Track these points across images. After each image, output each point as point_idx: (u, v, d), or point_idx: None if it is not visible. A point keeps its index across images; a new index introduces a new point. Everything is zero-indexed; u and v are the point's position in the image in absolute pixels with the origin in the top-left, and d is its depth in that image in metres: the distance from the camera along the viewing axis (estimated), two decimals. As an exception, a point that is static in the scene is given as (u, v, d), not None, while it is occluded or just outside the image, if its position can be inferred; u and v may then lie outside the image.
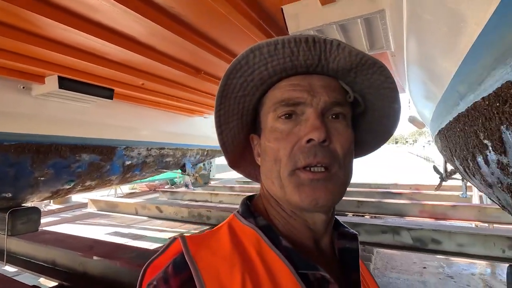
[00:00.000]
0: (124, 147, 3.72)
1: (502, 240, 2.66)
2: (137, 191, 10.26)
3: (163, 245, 0.42)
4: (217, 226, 0.44)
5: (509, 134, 0.80)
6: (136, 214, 5.01)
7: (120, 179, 4.13)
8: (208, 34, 1.82)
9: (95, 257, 2.15)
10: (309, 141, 0.37)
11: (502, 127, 0.84)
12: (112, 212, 5.24)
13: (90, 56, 1.99)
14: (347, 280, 0.41)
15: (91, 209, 5.36)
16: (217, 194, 6.97)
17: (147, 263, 0.41)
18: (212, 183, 9.22)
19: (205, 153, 5.91)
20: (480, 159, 1.19)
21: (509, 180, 0.96)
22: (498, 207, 4.03)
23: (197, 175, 5.68)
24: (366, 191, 6.03)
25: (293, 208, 0.41)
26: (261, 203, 0.46)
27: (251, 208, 0.45)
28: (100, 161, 3.46)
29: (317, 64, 0.40)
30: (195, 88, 2.97)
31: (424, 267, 3.42)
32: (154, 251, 2.72)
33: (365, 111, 0.46)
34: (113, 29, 1.69)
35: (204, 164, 7.27)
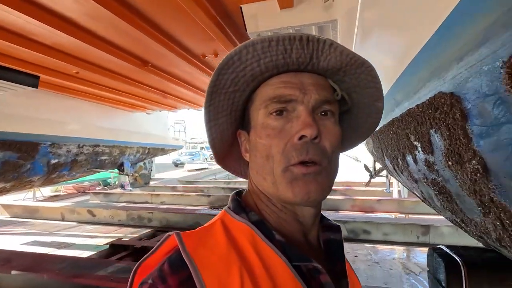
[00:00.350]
0: (49, 143, 3.25)
1: (417, 228, 3.14)
2: (61, 193, 9.07)
3: (156, 244, 0.40)
4: (209, 223, 0.43)
5: (437, 136, 0.95)
6: (63, 219, 4.43)
7: (43, 180, 3.60)
8: (161, 25, 1.71)
9: (13, 272, 1.83)
10: (301, 137, 0.38)
11: (431, 130, 0.99)
12: (31, 219, 4.54)
13: (12, 35, 1.69)
14: (333, 269, 0.43)
15: (2, 215, 4.55)
16: (158, 194, 6.61)
17: (137, 263, 0.39)
18: (152, 183, 8.70)
19: (146, 151, 5.55)
20: (409, 158, 1.38)
21: (434, 176, 1.14)
22: (414, 200, 4.73)
23: (137, 175, 5.29)
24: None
25: (285, 203, 0.42)
26: (251, 198, 0.46)
27: (242, 203, 0.45)
28: (18, 159, 2.96)
29: (308, 62, 0.41)
30: (140, 81, 2.77)
31: (356, 256, 3.82)
32: (89, 259, 2.45)
33: (350, 109, 0.48)
34: (45, 7, 1.47)
35: (144, 163, 6.82)
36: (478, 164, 0.73)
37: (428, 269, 1.43)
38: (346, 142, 0.53)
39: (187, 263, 0.33)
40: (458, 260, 1.19)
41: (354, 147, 0.57)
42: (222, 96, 0.43)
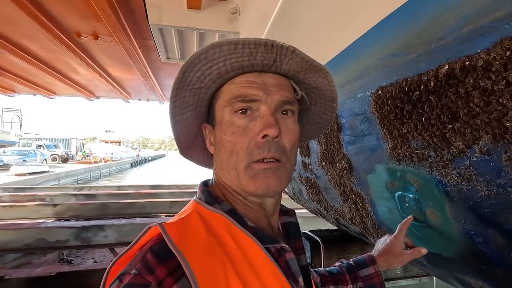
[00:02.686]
0: None
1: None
2: None
3: (134, 240, 0.37)
4: (184, 215, 0.43)
5: (315, 143, 1.22)
6: None
7: None
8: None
9: None
10: (264, 136, 0.43)
11: (310, 138, 1.25)
12: None
13: None
14: (292, 248, 0.48)
15: None
16: (-34, 208, 4.75)
17: (113, 260, 0.36)
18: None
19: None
20: (287, 161, 1.66)
21: (307, 174, 1.43)
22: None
23: None
24: (177, 192, 6.36)
25: (248, 194, 0.46)
26: (218, 189, 0.48)
27: (212, 194, 0.46)
28: None
29: (271, 64, 0.45)
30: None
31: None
32: None
33: (309, 107, 0.55)
34: None
35: None
36: (346, 163, 1.00)
37: (296, 251, 1.75)
38: (303, 135, 0.59)
39: (175, 253, 0.34)
40: (318, 240, 1.54)
41: (311, 140, 0.68)
42: (187, 92, 0.45)
